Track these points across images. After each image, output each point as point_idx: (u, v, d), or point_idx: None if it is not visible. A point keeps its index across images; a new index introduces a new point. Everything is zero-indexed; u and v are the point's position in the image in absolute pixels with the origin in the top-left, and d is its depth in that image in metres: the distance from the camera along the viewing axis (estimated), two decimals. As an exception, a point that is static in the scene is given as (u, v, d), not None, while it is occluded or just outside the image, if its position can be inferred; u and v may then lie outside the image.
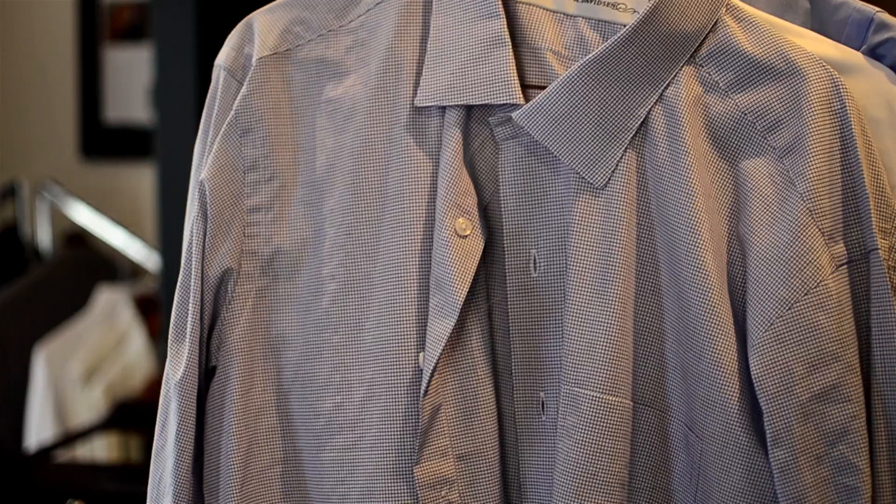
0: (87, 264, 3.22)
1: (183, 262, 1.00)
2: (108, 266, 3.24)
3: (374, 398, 0.97)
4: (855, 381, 0.92)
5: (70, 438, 2.57)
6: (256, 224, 1.01)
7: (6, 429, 2.85)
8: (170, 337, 1.00)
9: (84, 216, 3.33)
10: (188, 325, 0.99)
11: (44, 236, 3.43)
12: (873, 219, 0.92)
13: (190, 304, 0.99)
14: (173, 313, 1.00)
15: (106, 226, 3.29)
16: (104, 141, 3.71)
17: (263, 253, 1.01)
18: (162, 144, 2.28)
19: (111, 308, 2.95)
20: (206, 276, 0.99)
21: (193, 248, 0.99)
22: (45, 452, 2.47)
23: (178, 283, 1.00)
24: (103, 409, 2.74)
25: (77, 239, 3.39)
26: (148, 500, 1.03)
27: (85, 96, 3.72)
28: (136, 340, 2.91)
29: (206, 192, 0.99)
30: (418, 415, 0.95)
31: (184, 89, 2.16)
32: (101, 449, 2.75)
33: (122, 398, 2.70)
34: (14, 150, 3.74)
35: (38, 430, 2.79)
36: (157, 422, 1.02)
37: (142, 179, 3.50)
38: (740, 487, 0.92)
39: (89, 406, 2.78)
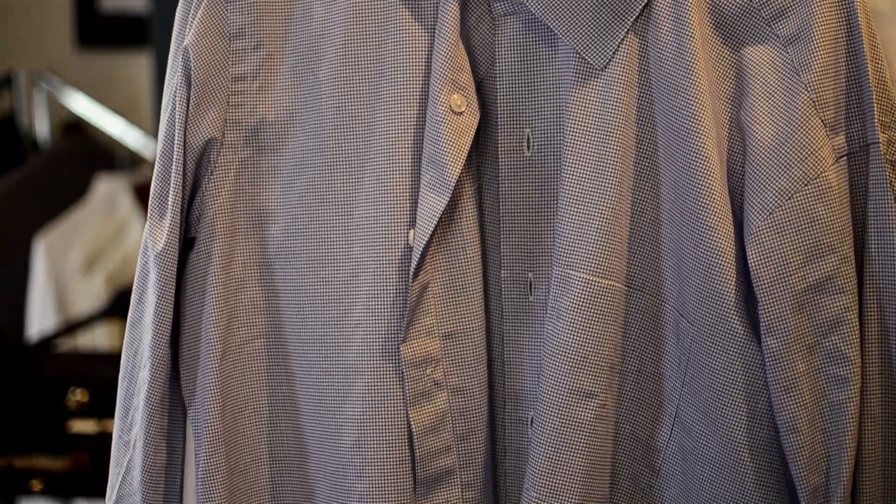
0: (86, 154, 3.19)
1: (164, 131, 0.98)
2: (107, 155, 3.22)
3: (362, 275, 0.96)
4: (850, 273, 0.92)
5: (71, 328, 2.56)
6: (241, 93, 0.99)
7: (7, 319, 2.85)
8: (150, 207, 0.98)
9: (81, 105, 3.30)
10: (170, 196, 0.97)
11: (41, 126, 3.41)
12: (875, 112, 0.91)
13: (172, 174, 0.97)
14: (153, 183, 0.98)
15: (104, 115, 3.26)
16: (100, 30, 3.67)
17: (248, 123, 0.99)
18: (158, 32, 2.25)
19: (110, 197, 2.93)
20: (189, 145, 0.97)
21: (176, 117, 0.97)
22: (47, 342, 2.47)
23: (159, 153, 0.98)
24: (104, 297, 2.74)
25: (75, 128, 3.36)
26: (121, 371, 1.02)
27: (80, -15, 3.68)
28: (136, 229, 2.89)
29: (190, 59, 0.97)
30: (406, 293, 0.94)
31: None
32: (102, 337, 2.75)
33: (123, 287, 2.69)
34: (10, 41, 3.70)
35: (39, 320, 2.79)
36: (134, 292, 1.00)
37: (139, 68, 3.48)
38: (731, 374, 0.92)
39: (90, 295, 2.78)
